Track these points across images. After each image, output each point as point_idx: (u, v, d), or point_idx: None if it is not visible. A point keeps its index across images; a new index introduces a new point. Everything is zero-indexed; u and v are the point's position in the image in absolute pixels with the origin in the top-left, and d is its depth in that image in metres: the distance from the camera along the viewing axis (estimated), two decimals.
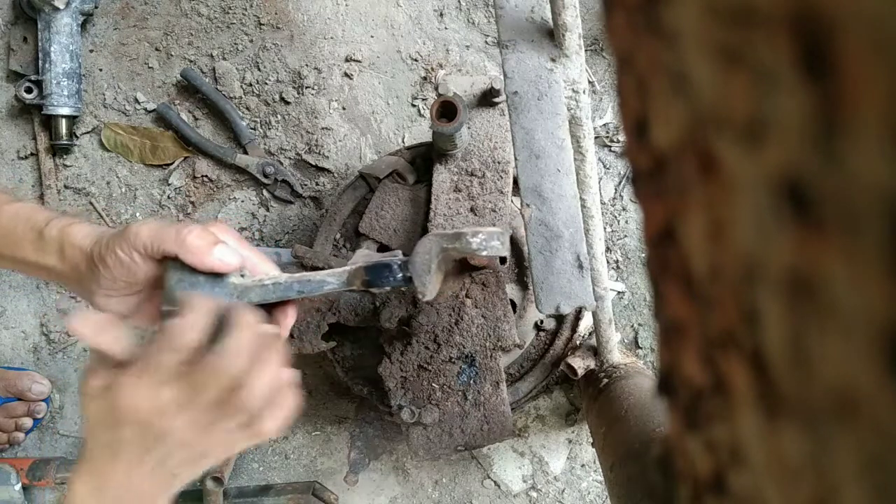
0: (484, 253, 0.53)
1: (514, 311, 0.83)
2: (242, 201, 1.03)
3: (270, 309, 0.54)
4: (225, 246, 0.50)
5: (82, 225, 0.54)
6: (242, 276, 0.52)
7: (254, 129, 1.02)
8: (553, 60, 0.59)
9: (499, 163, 0.76)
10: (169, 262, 0.50)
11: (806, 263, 0.12)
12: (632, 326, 0.99)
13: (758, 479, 0.17)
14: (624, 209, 0.99)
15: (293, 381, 0.50)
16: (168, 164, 1.03)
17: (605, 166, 0.99)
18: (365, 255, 0.57)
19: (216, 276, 0.51)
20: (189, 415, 0.46)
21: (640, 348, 0.98)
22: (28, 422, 1.01)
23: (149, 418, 0.46)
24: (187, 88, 1.03)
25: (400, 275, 0.53)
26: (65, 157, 1.04)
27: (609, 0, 0.19)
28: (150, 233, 0.49)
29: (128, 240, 0.49)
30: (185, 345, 0.46)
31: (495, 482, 1.00)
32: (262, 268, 0.54)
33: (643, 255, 0.97)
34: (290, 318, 0.55)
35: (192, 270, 0.50)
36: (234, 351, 0.47)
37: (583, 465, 1.00)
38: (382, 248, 0.83)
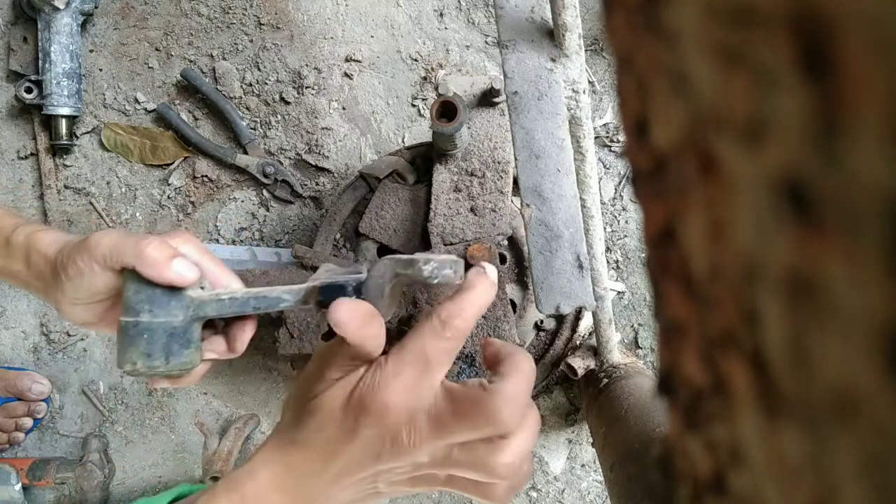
0: (435, 281, 0.52)
1: (514, 311, 0.83)
2: (242, 201, 1.03)
3: (229, 322, 0.54)
4: (183, 260, 0.49)
5: (49, 232, 0.53)
6: (202, 287, 0.52)
7: (254, 129, 1.02)
8: (553, 60, 0.59)
9: (499, 163, 0.76)
10: (127, 272, 0.50)
11: (806, 263, 0.12)
12: (632, 326, 0.99)
13: (758, 479, 0.17)
14: (624, 209, 0.99)
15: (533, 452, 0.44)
16: (168, 164, 1.03)
17: (605, 166, 0.99)
18: (328, 270, 0.56)
19: (173, 288, 0.50)
20: (435, 444, 0.39)
21: (640, 348, 0.98)
22: (28, 422, 1.01)
23: (398, 424, 0.39)
24: (187, 88, 1.03)
25: (353, 296, 0.51)
26: (65, 157, 1.04)
27: (609, 0, 0.19)
28: (110, 244, 0.49)
29: (88, 250, 0.49)
30: (459, 330, 0.40)
31: None
32: (224, 280, 0.53)
33: (643, 255, 0.97)
34: (248, 332, 0.53)
35: (149, 282, 0.49)
36: (511, 397, 0.39)
37: (583, 465, 1.00)
38: (383, 248, 0.83)
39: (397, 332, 0.76)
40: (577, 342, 0.88)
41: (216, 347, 0.53)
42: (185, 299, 0.50)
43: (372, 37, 1.03)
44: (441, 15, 1.02)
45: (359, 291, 0.51)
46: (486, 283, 0.43)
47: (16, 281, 0.55)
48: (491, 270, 0.44)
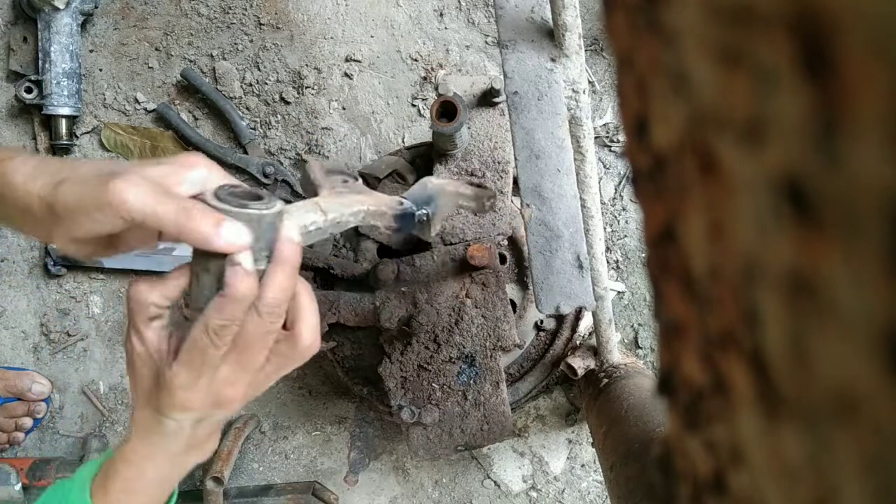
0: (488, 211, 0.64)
1: (514, 311, 0.83)
2: None
3: None
4: (230, 225, 0.44)
5: (17, 161, 0.46)
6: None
7: (254, 129, 1.02)
8: (553, 60, 0.59)
9: (499, 163, 0.76)
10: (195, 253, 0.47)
11: (806, 263, 0.12)
12: (632, 326, 0.99)
13: (758, 479, 0.17)
14: (624, 209, 0.99)
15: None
16: None
17: (605, 166, 0.99)
18: (337, 169, 0.60)
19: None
20: (246, 385, 0.49)
21: (640, 348, 0.98)
22: (28, 422, 1.01)
23: (206, 408, 0.48)
24: (187, 88, 1.03)
25: (417, 221, 0.60)
26: (65, 156, 1.04)
27: (609, 0, 0.19)
28: (141, 209, 0.43)
29: (113, 209, 0.43)
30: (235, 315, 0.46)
31: (495, 482, 1.00)
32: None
33: (643, 255, 0.97)
34: None
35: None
36: (276, 300, 0.47)
37: (583, 465, 1.00)
38: (383, 248, 0.83)
39: (398, 332, 0.76)
40: (577, 342, 0.88)
41: None
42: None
43: (372, 37, 1.03)
44: (441, 15, 1.02)
45: (421, 217, 0.61)
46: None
47: None
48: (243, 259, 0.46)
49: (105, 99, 1.04)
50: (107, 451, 0.56)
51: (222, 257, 0.45)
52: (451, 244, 0.76)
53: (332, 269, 0.83)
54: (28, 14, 1.01)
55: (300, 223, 0.50)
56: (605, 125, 1.00)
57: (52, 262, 1.02)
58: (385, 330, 0.76)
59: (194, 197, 0.46)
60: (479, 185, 0.64)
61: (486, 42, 1.02)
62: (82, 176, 0.44)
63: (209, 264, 0.46)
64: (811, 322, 0.13)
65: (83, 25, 1.02)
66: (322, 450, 1.03)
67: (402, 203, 0.58)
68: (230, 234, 0.44)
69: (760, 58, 0.12)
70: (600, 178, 0.99)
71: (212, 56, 1.03)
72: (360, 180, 0.59)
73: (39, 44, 0.99)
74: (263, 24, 1.03)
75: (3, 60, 1.05)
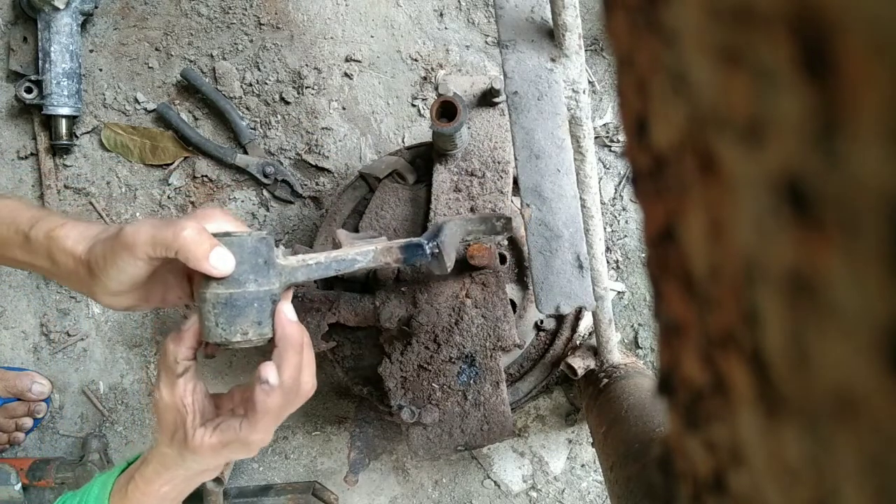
0: (501, 236, 0.67)
1: (514, 311, 0.83)
2: (242, 201, 1.03)
3: None
4: (219, 251, 0.50)
5: (68, 227, 0.53)
6: (284, 254, 0.55)
7: (254, 129, 1.02)
8: (553, 60, 0.59)
9: (499, 163, 0.76)
10: (202, 280, 0.51)
11: (806, 263, 0.12)
12: (632, 326, 0.99)
13: (758, 479, 0.17)
14: (624, 209, 0.99)
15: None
16: (168, 164, 1.03)
17: (605, 166, 0.99)
18: (364, 236, 0.67)
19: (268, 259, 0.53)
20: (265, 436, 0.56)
21: (640, 348, 0.98)
22: (28, 422, 1.01)
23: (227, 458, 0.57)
24: (187, 88, 1.03)
25: (429, 252, 0.63)
26: (65, 157, 1.04)
27: (609, 0, 0.19)
28: (148, 239, 0.49)
29: (127, 248, 0.49)
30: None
31: (495, 482, 1.00)
32: None
33: (643, 255, 0.97)
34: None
35: (250, 252, 0.52)
36: (293, 378, 0.53)
37: (583, 465, 1.00)
38: None
39: (398, 332, 0.76)
40: (577, 342, 0.88)
41: None
42: (279, 266, 0.54)
43: (372, 37, 1.03)
44: (441, 15, 1.02)
45: (433, 248, 0.64)
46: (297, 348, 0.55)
47: (46, 274, 0.56)
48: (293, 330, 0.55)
49: (105, 99, 1.04)
50: (119, 465, 0.61)
51: (215, 282, 0.50)
52: None
53: None
54: (28, 14, 1.01)
55: (297, 279, 0.56)
56: (605, 125, 1.00)
57: None
58: (385, 330, 0.76)
59: None
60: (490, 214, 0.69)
61: (486, 42, 1.02)
62: (108, 234, 0.51)
63: (205, 293, 0.51)
64: (811, 322, 0.13)
65: (83, 25, 1.02)
66: (322, 450, 1.03)
67: (412, 241, 0.63)
68: (217, 262, 0.49)
69: (760, 58, 0.12)
70: (600, 178, 0.99)
71: (212, 56, 1.03)
72: (384, 237, 0.66)
73: (39, 44, 0.99)
74: (263, 24, 1.03)
75: (3, 60, 1.05)
